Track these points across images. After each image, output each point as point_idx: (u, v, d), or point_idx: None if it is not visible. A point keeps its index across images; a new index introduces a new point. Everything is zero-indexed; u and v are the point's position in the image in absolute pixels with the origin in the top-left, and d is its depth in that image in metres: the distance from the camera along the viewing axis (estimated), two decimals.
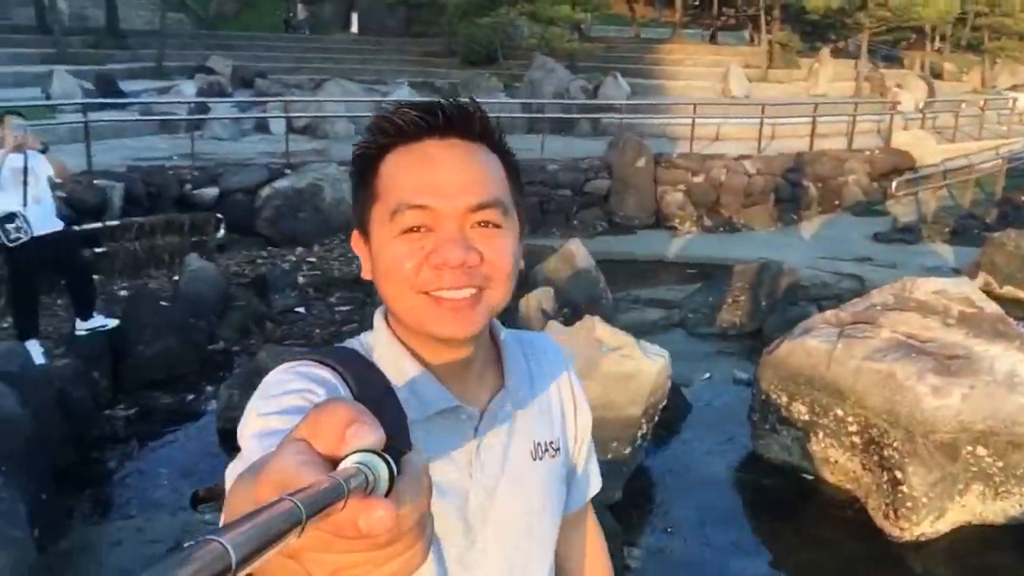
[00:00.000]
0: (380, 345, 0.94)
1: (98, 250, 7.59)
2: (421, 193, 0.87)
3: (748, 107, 16.24)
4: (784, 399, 4.93)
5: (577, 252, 7.18)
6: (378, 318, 0.96)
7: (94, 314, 6.21)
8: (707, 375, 6.71)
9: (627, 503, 4.61)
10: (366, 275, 0.94)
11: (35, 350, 5.52)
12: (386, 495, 0.44)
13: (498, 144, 0.95)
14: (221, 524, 0.62)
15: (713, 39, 28.26)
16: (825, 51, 22.32)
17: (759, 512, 4.89)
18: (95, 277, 6.92)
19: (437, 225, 0.87)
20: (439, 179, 0.87)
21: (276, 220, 9.57)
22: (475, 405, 0.94)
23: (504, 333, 1.03)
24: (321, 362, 0.87)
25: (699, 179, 12.06)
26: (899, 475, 4.23)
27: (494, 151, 0.94)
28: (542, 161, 11.67)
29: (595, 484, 1.20)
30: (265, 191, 9.78)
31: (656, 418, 4.90)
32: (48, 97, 12.63)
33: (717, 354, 7.31)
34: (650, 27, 32.71)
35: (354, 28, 26.81)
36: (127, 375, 5.86)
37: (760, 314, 7.70)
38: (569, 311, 6.56)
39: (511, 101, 15.48)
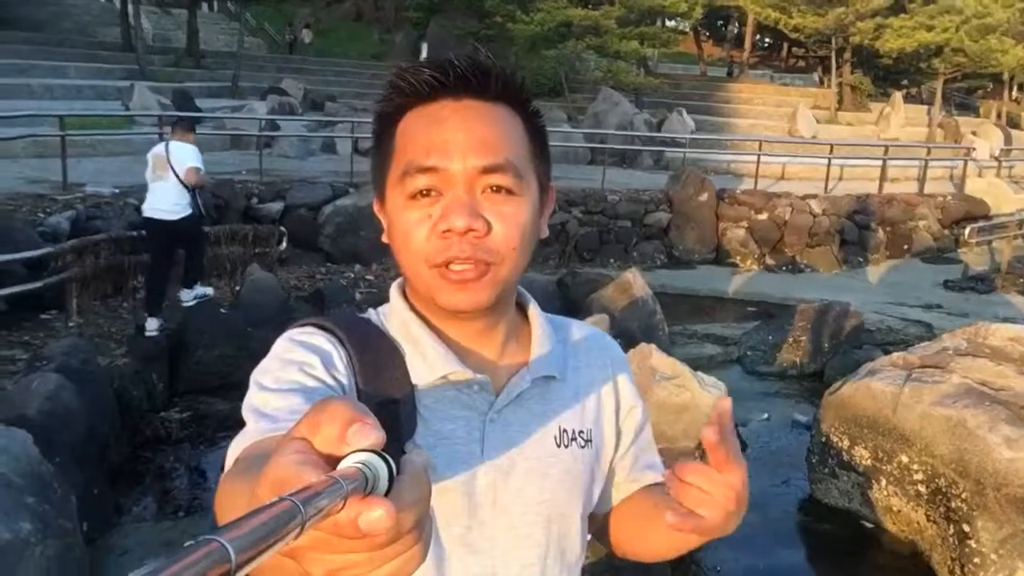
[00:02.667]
0: (394, 315, 0.93)
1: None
2: (429, 154, 0.83)
3: (816, 146, 15.99)
4: (845, 442, 4.74)
5: (634, 282, 7.08)
6: (394, 290, 0.95)
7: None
8: (765, 415, 6.51)
9: None
10: (387, 239, 0.92)
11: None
12: (386, 495, 0.44)
13: (522, 105, 0.90)
14: (214, 510, 0.61)
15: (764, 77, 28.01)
16: (897, 96, 21.91)
17: (815, 558, 4.68)
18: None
19: (446, 189, 0.83)
20: (447, 139, 0.83)
21: (337, 237, 9.70)
22: (493, 379, 0.90)
23: (538, 313, 0.98)
24: (322, 327, 0.87)
25: (763, 216, 11.85)
26: (967, 529, 4.00)
27: (518, 113, 0.89)
28: (603, 191, 11.62)
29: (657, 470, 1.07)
30: (328, 208, 9.93)
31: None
32: (127, 109, 13.10)
33: (775, 394, 7.10)
34: (717, 66, 32.69)
35: (423, 57, 27.35)
36: (183, 379, 5.95)
37: (822, 356, 7.47)
38: (623, 341, 6.45)
39: (574, 131, 15.54)
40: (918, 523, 4.40)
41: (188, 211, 6.59)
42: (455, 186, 0.83)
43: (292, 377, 0.79)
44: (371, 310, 0.96)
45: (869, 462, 4.61)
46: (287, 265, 9.40)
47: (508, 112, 0.88)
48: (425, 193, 0.83)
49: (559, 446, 0.93)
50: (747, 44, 28.69)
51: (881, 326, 8.81)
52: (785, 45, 33.41)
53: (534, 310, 0.98)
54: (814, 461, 4.97)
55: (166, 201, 6.47)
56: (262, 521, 0.38)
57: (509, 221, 0.84)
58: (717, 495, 0.78)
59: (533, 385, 0.92)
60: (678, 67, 30.51)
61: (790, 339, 7.56)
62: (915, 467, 4.38)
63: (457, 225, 0.81)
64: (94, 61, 18.81)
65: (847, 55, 22.68)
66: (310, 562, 0.44)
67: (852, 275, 11.63)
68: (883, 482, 4.55)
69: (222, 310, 6.51)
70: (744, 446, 5.73)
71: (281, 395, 0.77)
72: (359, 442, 0.44)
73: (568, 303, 8.00)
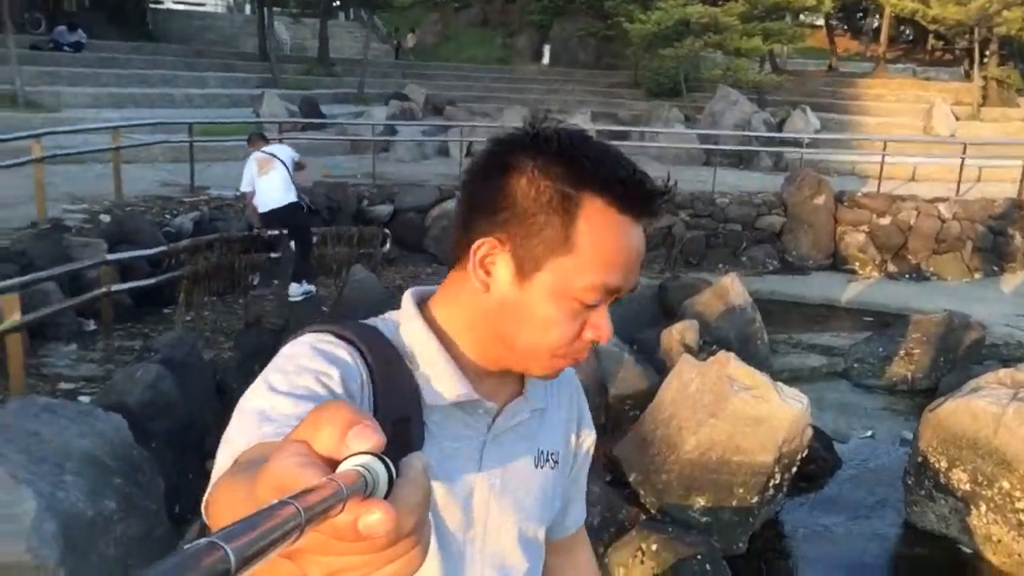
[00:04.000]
0: (409, 330, 0.91)
1: (273, 255, 8.18)
2: (620, 276, 0.86)
3: (949, 146, 14.96)
4: (943, 464, 4.45)
5: (731, 287, 6.87)
6: (409, 302, 0.93)
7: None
8: (869, 432, 6.19)
9: (751, 557, 4.32)
10: (484, 288, 0.88)
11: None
12: (385, 498, 0.44)
13: None
14: (203, 506, 0.63)
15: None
16: None
17: None
18: (273, 281, 7.55)
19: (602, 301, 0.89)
20: (632, 266, 0.88)
21: (442, 239, 9.92)
22: (493, 402, 0.94)
23: None
24: (343, 337, 0.86)
25: (885, 221, 11.21)
26: None
27: None
28: (712, 194, 11.33)
29: (581, 514, 1.18)
30: (435, 211, 10.18)
31: (794, 469, 4.56)
32: (257, 116, 13.88)
33: (883, 410, 6.73)
34: (853, 61, 31.18)
35: (545, 60, 27.47)
36: None
37: (937, 371, 7.01)
38: (718, 348, 6.28)
39: (688, 132, 15.21)
40: (1020, 555, 4.09)
41: (295, 198, 7.16)
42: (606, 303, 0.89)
43: (307, 384, 0.78)
44: (376, 320, 0.94)
45: (968, 486, 4.31)
46: (395, 265, 9.71)
47: None
48: (594, 304, 0.87)
49: (537, 466, 1.00)
50: (883, 37, 27.21)
51: (1010, 340, 8.18)
52: (929, 37, 31.45)
53: None
54: (910, 483, 4.69)
55: (277, 190, 7.04)
56: (261, 523, 0.38)
57: None
58: None
59: (527, 412, 0.98)
60: (810, 63, 29.33)
61: (902, 352, 7.13)
62: (1017, 494, 4.07)
63: (606, 338, 0.89)
64: (232, 71, 20.00)
65: (993, 46, 21.08)
66: (309, 564, 0.44)
67: (984, 284, 10.82)
68: (983, 508, 4.25)
69: (323, 308, 6.80)
70: (839, 463, 5.47)
71: (292, 401, 0.75)
72: (359, 445, 0.44)
73: (665, 308, 7.86)
